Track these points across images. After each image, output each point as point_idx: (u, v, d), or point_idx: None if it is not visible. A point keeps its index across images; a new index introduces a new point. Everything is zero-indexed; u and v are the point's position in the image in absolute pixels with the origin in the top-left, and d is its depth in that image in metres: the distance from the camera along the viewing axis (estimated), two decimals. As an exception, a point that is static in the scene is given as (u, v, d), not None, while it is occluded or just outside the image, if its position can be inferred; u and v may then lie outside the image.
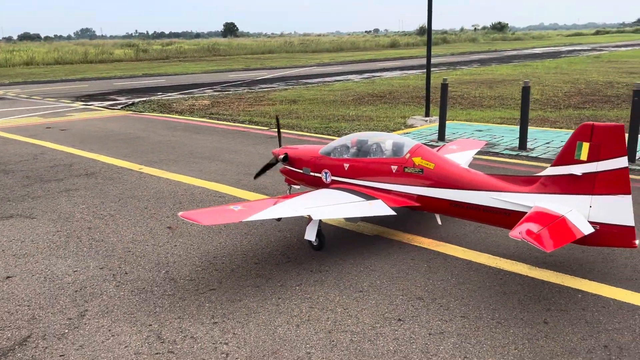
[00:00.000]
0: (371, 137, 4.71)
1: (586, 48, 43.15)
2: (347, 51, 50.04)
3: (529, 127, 8.50)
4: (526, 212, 3.48)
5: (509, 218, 3.63)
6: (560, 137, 8.70)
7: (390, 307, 3.31)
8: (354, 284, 3.64)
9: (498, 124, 10.26)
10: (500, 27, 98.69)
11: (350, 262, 4.01)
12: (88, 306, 3.42)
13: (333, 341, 2.95)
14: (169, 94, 17.30)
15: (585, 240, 3.34)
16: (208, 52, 46.89)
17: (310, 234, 4.06)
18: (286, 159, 5.01)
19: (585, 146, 3.32)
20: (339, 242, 4.42)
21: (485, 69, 24.95)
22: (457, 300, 3.38)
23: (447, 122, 9.71)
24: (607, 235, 3.31)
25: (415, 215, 4.83)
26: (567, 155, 3.42)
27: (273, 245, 4.36)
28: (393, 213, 4.06)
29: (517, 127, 8.01)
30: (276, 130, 5.39)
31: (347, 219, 4.36)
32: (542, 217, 3.34)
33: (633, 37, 67.83)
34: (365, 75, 23.46)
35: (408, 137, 4.73)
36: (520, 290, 3.50)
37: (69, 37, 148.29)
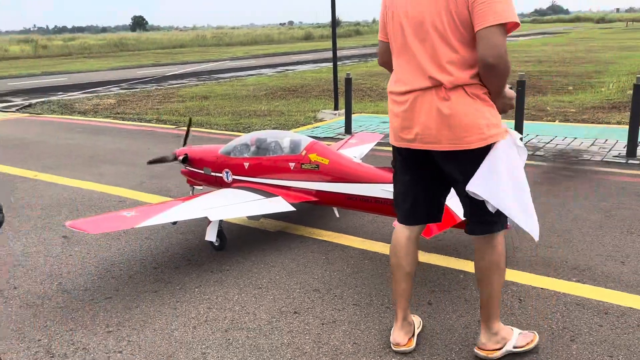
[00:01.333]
0: (270, 135, 4.78)
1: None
2: (262, 44, 49.70)
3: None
4: (412, 202, 3.70)
5: (397, 208, 3.84)
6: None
7: (287, 301, 3.42)
8: (254, 281, 3.71)
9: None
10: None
11: (251, 260, 4.07)
12: (-30, 327, 3.23)
13: (229, 339, 3.01)
14: (71, 94, 16.39)
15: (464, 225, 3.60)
16: (115, 48, 44.71)
17: (211, 235, 4.07)
18: (186, 160, 4.97)
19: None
20: (241, 240, 4.47)
21: (395, 60, 25.76)
22: (351, 289, 3.55)
23: (355, 115, 10.02)
24: None
25: (317, 209, 4.98)
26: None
27: (174, 248, 4.33)
28: (292, 209, 4.17)
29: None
30: (185, 129, 5.32)
31: (249, 217, 4.41)
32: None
33: (531, 27, 72.45)
34: (279, 69, 23.48)
35: (304, 135, 4.85)
36: (409, 275, 3.73)
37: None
